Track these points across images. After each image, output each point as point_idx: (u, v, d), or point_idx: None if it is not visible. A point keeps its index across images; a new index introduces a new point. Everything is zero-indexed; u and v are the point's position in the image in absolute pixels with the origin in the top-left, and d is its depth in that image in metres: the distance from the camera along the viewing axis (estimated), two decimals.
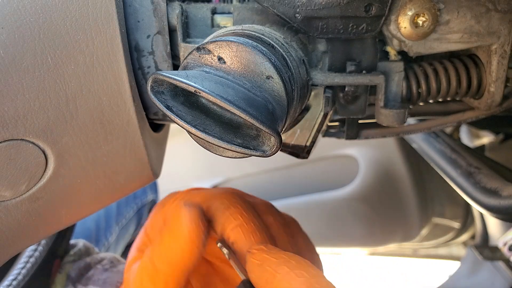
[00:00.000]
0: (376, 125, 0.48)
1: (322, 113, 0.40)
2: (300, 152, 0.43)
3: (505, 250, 0.94)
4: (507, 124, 0.93)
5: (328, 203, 1.49)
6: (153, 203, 1.37)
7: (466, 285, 1.06)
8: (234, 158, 0.31)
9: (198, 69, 0.30)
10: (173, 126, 0.55)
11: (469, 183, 0.56)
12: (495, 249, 1.01)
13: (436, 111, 0.49)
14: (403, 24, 0.37)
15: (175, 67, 0.41)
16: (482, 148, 1.03)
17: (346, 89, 0.40)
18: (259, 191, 1.68)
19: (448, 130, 0.91)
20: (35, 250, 0.55)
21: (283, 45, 0.35)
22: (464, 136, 1.18)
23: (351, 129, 0.48)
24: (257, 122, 0.26)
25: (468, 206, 1.41)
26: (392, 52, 0.40)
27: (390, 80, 0.40)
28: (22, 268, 0.53)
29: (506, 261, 0.96)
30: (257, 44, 0.31)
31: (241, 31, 0.34)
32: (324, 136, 0.49)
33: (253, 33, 0.34)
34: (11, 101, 0.32)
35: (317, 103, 0.40)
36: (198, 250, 0.38)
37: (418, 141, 0.76)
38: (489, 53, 0.39)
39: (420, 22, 0.37)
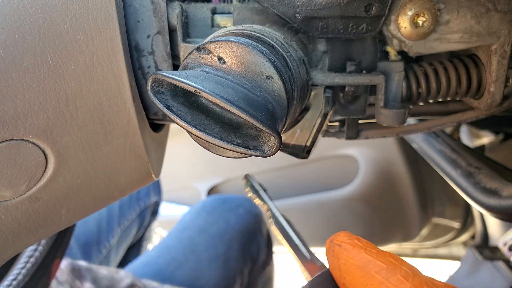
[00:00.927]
0: (376, 125, 0.48)
1: (322, 113, 0.40)
2: (300, 152, 0.43)
3: (505, 250, 0.94)
4: (507, 124, 0.93)
5: (328, 203, 1.49)
6: (156, 205, 1.36)
7: (466, 285, 1.06)
8: (234, 158, 0.31)
9: (198, 69, 0.30)
10: (173, 126, 0.55)
11: (469, 183, 0.56)
12: (495, 249, 1.01)
13: (436, 111, 0.49)
14: (403, 24, 0.37)
15: (175, 67, 0.40)
16: (482, 148, 1.03)
17: (346, 89, 0.40)
18: None
19: (448, 130, 0.91)
20: (35, 250, 0.55)
21: (283, 45, 0.35)
22: (464, 136, 1.18)
23: (351, 129, 0.48)
24: (257, 122, 0.26)
25: (468, 206, 1.41)
26: (392, 52, 0.40)
27: (390, 80, 0.40)
28: (22, 268, 0.53)
29: (506, 261, 0.96)
30: (257, 44, 0.31)
31: (241, 31, 0.34)
32: (324, 136, 0.49)
33: (253, 33, 0.34)
34: (11, 101, 0.32)
35: (317, 103, 0.40)
36: None
37: (418, 141, 0.76)
38: (489, 53, 0.39)
39: (420, 22, 0.37)
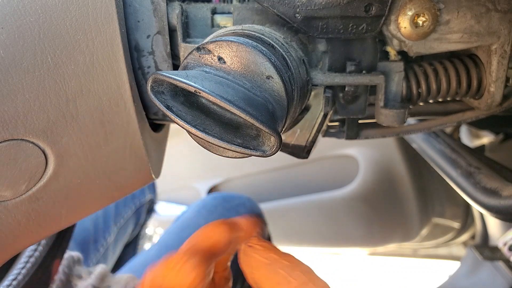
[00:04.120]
0: (376, 125, 0.48)
1: (322, 113, 0.40)
2: (300, 152, 0.43)
3: (505, 250, 0.94)
4: (507, 124, 0.93)
5: (328, 203, 1.49)
6: (151, 202, 1.36)
7: (466, 285, 1.06)
8: (234, 158, 0.31)
9: (198, 69, 0.30)
10: (173, 126, 0.55)
11: (469, 183, 0.56)
12: (495, 249, 1.01)
13: (436, 111, 0.49)
14: (403, 24, 0.37)
15: (175, 67, 0.40)
16: (482, 148, 1.03)
17: (346, 89, 0.40)
18: (259, 191, 1.68)
19: (448, 130, 0.91)
20: (35, 250, 0.55)
21: (283, 45, 0.35)
22: (464, 136, 1.18)
23: (351, 129, 0.48)
24: (257, 122, 0.26)
25: (468, 206, 1.41)
26: (392, 52, 0.40)
27: (390, 80, 0.40)
28: (22, 268, 0.53)
29: (506, 261, 0.96)
30: (257, 44, 0.31)
31: (241, 31, 0.34)
32: (324, 136, 0.49)
33: (253, 33, 0.34)
34: (11, 101, 0.32)
35: (317, 103, 0.40)
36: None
37: (418, 141, 0.76)
38: (489, 53, 0.39)
39: (420, 22, 0.37)
